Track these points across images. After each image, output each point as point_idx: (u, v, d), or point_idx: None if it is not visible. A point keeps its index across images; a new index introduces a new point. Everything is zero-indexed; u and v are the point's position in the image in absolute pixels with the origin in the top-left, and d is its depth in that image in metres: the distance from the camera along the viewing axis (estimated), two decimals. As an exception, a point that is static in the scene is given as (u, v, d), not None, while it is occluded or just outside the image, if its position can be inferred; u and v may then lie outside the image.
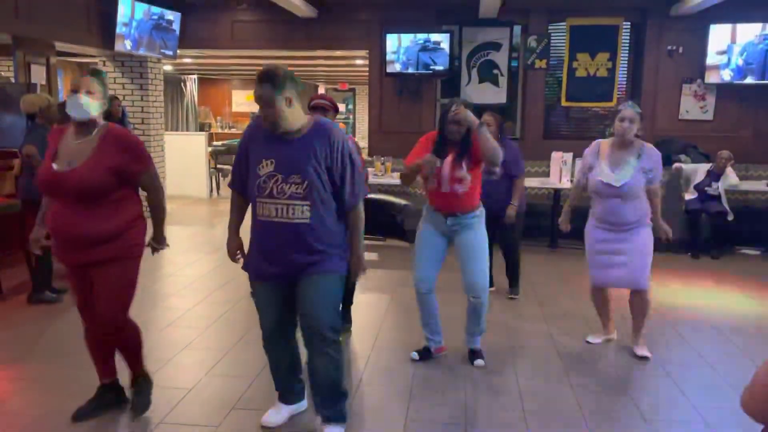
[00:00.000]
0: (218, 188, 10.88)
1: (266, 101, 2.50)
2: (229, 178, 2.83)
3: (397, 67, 7.68)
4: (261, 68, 2.55)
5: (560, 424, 3.04)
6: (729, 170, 6.61)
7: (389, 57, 7.66)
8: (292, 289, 2.70)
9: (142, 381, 3.05)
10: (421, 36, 7.55)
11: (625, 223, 3.73)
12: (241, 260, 2.81)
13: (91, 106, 2.72)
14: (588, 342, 4.02)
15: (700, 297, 5.14)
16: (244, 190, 2.71)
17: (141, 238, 2.87)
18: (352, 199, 2.66)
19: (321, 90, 18.82)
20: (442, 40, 7.54)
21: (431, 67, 7.60)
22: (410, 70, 7.67)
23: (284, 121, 2.53)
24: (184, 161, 9.93)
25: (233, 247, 2.80)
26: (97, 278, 2.76)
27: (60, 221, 2.72)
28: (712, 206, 6.51)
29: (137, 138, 2.92)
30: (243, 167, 2.68)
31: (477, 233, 3.59)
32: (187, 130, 15.82)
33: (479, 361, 3.69)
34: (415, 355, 3.75)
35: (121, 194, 2.77)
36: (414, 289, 3.69)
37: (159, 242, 2.94)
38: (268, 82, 2.48)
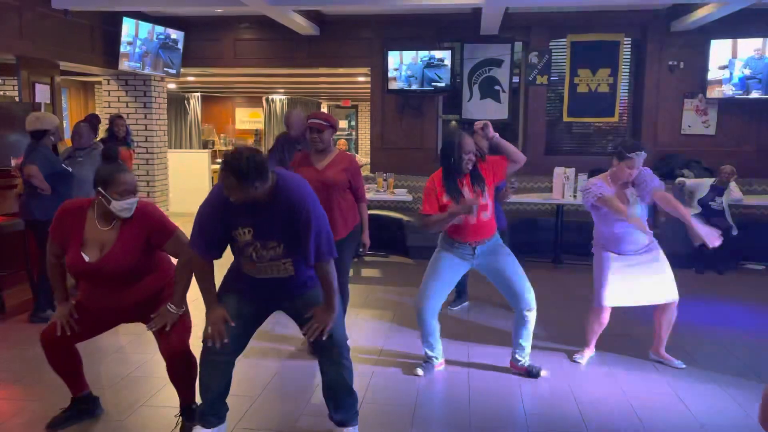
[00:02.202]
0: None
1: (231, 190, 2.47)
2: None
3: (398, 84, 7.72)
4: (226, 156, 2.47)
5: (565, 442, 3.00)
6: (732, 185, 6.59)
7: (391, 74, 7.70)
8: (268, 312, 2.82)
9: (192, 410, 3.02)
10: (425, 53, 7.60)
11: (640, 246, 3.74)
12: (220, 332, 2.63)
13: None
14: (575, 361, 3.98)
15: (705, 312, 5.10)
16: (207, 253, 2.66)
17: None
18: (315, 254, 2.60)
19: (324, 107, 18.90)
20: (446, 56, 7.58)
21: (436, 84, 7.64)
22: (413, 87, 7.71)
23: (250, 199, 2.50)
24: (187, 178, 9.95)
25: (219, 316, 2.64)
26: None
27: (106, 298, 2.86)
28: (717, 221, 6.46)
29: (157, 210, 2.97)
30: (213, 229, 2.63)
31: (506, 250, 3.64)
32: (191, 147, 15.87)
33: (545, 373, 3.70)
34: (420, 371, 3.73)
35: (157, 257, 2.94)
36: (415, 305, 3.70)
37: (178, 306, 2.87)
38: (232, 174, 2.42)
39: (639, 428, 3.14)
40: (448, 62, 7.58)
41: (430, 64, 7.59)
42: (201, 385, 2.74)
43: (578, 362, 3.96)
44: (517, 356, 3.75)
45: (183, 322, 2.91)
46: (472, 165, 3.47)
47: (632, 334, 4.43)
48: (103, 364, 3.93)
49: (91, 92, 13.47)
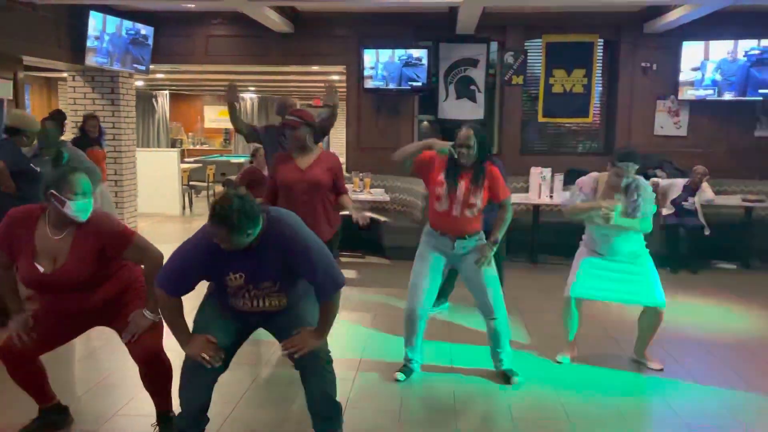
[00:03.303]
0: (191, 205, 10.69)
1: (222, 240, 2.36)
2: (168, 276, 2.53)
3: (374, 83, 7.64)
4: (214, 205, 2.33)
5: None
6: (705, 185, 6.67)
7: (367, 72, 7.62)
8: (252, 328, 2.73)
9: (170, 418, 2.89)
10: (402, 52, 7.53)
11: (623, 254, 3.74)
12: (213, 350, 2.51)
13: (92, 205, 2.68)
14: (558, 361, 3.94)
15: (681, 311, 5.13)
16: (176, 295, 2.55)
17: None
18: (326, 290, 2.54)
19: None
20: (423, 55, 7.53)
21: (413, 83, 7.58)
22: (391, 86, 7.63)
23: (243, 246, 2.40)
24: (156, 178, 9.71)
25: (200, 342, 2.50)
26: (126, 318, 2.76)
27: (66, 304, 2.71)
28: (690, 221, 6.56)
29: (112, 219, 2.81)
30: (193, 276, 2.51)
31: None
32: (159, 146, 15.57)
33: (516, 378, 3.61)
34: (401, 377, 3.65)
35: (116, 264, 2.77)
36: (406, 307, 3.61)
37: (154, 312, 2.74)
38: (224, 225, 2.29)
39: (625, 429, 3.13)
40: (425, 61, 7.53)
41: (408, 63, 7.53)
42: (181, 399, 2.58)
43: (561, 362, 3.93)
44: (495, 363, 3.72)
45: (155, 325, 2.77)
46: (466, 159, 3.40)
47: (615, 336, 4.43)
48: (74, 371, 3.78)
49: (55, 89, 13.10)
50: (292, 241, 2.47)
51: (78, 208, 2.61)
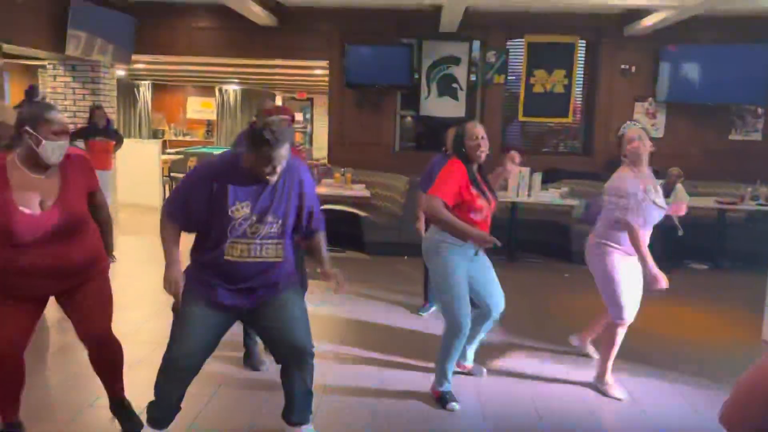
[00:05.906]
0: (172, 197, 10.64)
1: (279, 160, 2.42)
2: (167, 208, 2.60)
3: (357, 78, 7.67)
4: (269, 129, 2.36)
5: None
6: (679, 186, 6.79)
7: (350, 68, 7.64)
8: (235, 320, 2.73)
9: (125, 406, 2.90)
10: (386, 48, 7.57)
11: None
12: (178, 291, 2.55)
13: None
14: (617, 398, 3.60)
15: (653, 310, 5.24)
16: (184, 224, 2.58)
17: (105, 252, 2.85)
18: (319, 225, 2.73)
19: (278, 100, 18.65)
20: (406, 52, 7.57)
21: (395, 79, 7.63)
22: (374, 82, 7.67)
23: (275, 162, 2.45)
24: (137, 169, 9.66)
25: (177, 275, 2.54)
26: (83, 297, 2.65)
27: (47, 258, 2.50)
28: (664, 221, 6.67)
29: (85, 155, 2.76)
30: (199, 202, 2.48)
31: (486, 257, 3.51)
32: (140, 137, 15.45)
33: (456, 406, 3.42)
34: (456, 406, 3.32)
35: (87, 217, 2.69)
36: (461, 330, 3.30)
37: (110, 254, 2.88)
38: (283, 143, 2.39)
39: (593, 421, 3.21)
40: (408, 58, 7.57)
41: (392, 60, 7.58)
42: (159, 391, 2.60)
43: (620, 398, 3.55)
44: (468, 355, 3.70)
45: (103, 305, 2.71)
46: (486, 153, 3.26)
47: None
48: (47, 363, 3.76)
49: (36, 77, 12.93)
50: (302, 173, 2.62)
51: (54, 150, 2.44)
